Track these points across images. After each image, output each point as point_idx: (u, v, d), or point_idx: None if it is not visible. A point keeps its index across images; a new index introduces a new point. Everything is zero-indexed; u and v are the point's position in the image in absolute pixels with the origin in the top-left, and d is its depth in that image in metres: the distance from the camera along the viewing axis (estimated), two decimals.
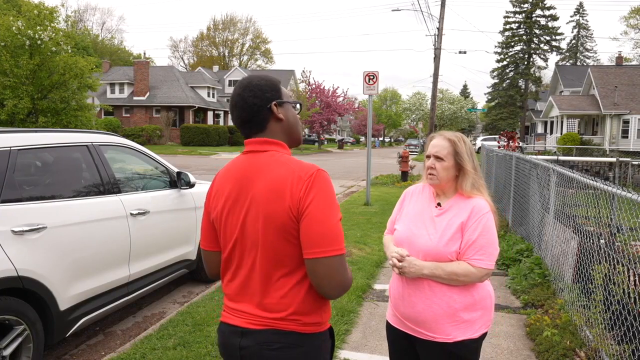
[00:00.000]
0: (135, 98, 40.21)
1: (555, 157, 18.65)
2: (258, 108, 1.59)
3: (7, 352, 3.00)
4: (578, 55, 63.12)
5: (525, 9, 48.68)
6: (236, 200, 1.58)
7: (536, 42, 49.08)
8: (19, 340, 3.09)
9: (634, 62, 52.25)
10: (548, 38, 49.20)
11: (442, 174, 2.12)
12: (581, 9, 62.81)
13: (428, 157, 2.17)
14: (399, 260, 2.07)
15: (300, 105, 1.76)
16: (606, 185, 3.60)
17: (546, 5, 48.34)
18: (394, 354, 2.31)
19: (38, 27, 16.92)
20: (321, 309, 1.57)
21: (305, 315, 1.53)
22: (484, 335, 2.13)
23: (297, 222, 1.48)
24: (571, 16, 64.09)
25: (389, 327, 2.29)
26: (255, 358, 1.53)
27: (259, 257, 1.53)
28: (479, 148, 31.45)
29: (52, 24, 17.67)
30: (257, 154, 1.60)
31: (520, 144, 29.18)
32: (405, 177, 16.12)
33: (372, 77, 11.02)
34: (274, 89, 1.63)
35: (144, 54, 47.08)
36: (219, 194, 1.64)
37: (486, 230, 2.03)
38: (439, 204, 2.16)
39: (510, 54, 50.04)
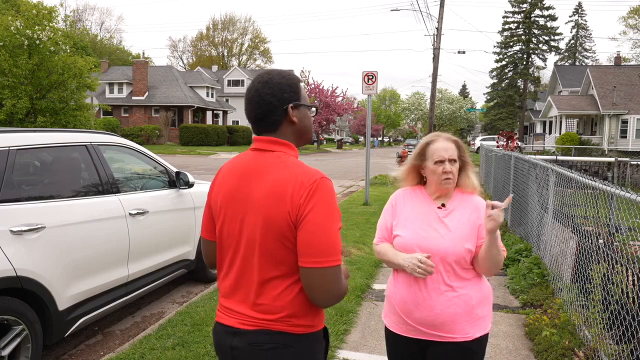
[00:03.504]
0: (134, 98, 40.15)
1: (554, 157, 18.68)
2: (273, 107, 1.54)
3: (5, 352, 3.00)
4: (577, 55, 63.23)
5: (524, 9, 48.72)
6: (236, 198, 1.56)
7: (535, 42, 49.12)
8: (18, 340, 3.08)
9: (633, 62, 52.30)
10: (547, 38, 49.26)
11: (456, 175, 2.11)
12: (580, 9, 62.94)
13: (441, 161, 2.06)
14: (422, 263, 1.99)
15: (317, 109, 1.70)
16: (605, 185, 3.60)
17: (545, 6, 48.40)
18: None
19: (37, 27, 16.84)
20: (314, 311, 1.55)
21: (297, 317, 1.51)
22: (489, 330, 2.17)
23: (294, 228, 1.45)
24: (570, 16, 64.36)
25: (393, 336, 2.18)
26: (246, 358, 1.52)
27: (254, 258, 1.52)
28: (478, 148, 31.52)
29: (50, 24, 17.60)
30: (264, 152, 1.57)
31: (519, 144, 29.25)
32: None
33: (371, 77, 11.01)
34: (294, 89, 1.57)
35: (143, 53, 46.95)
36: (220, 188, 1.63)
37: None
38: (443, 205, 2.13)
39: (509, 54, 50.09)
